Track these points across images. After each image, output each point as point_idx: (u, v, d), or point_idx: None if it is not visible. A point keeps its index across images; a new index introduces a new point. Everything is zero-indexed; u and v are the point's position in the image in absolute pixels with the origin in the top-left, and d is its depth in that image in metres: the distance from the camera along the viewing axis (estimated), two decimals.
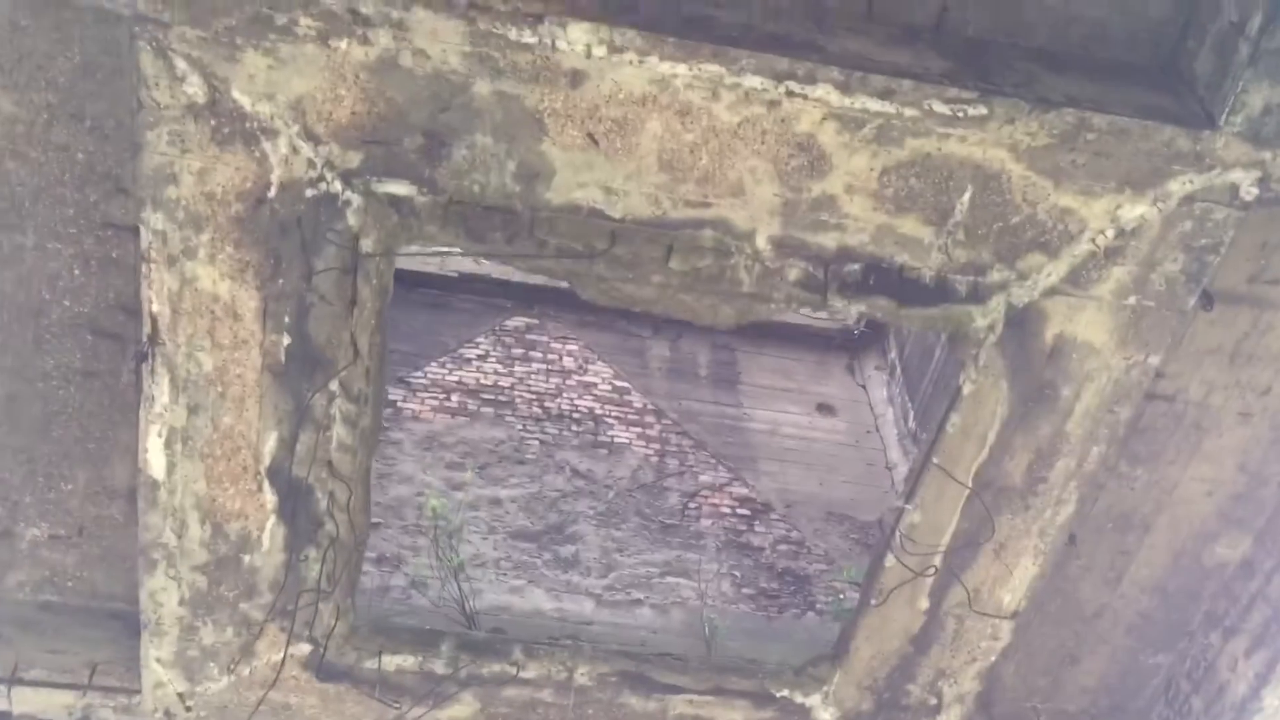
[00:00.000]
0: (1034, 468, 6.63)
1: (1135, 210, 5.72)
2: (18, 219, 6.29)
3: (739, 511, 12.03)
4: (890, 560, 6.95)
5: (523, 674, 7.36)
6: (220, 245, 5.69)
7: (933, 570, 6.89)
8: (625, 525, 11.44)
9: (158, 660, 7.14)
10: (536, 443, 12.24)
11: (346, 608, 7.00)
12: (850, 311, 5.92)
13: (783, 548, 11.70)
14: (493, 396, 12.67)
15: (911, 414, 13.15)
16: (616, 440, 12.54)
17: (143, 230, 5.67)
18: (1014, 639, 7.51)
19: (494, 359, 13.20)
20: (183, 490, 6.48)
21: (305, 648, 7.19)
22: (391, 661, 7.27)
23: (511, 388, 12.83)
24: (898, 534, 6.85)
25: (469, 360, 13.13)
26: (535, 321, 13.79)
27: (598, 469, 11.97)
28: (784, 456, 12.93)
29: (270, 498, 6.54)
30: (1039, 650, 8.29)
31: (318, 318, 5.92)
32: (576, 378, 13.28)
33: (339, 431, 6.27)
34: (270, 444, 6.34)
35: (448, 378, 12.82)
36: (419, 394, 12.47)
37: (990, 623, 7.23)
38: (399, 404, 12.24)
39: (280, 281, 5.81)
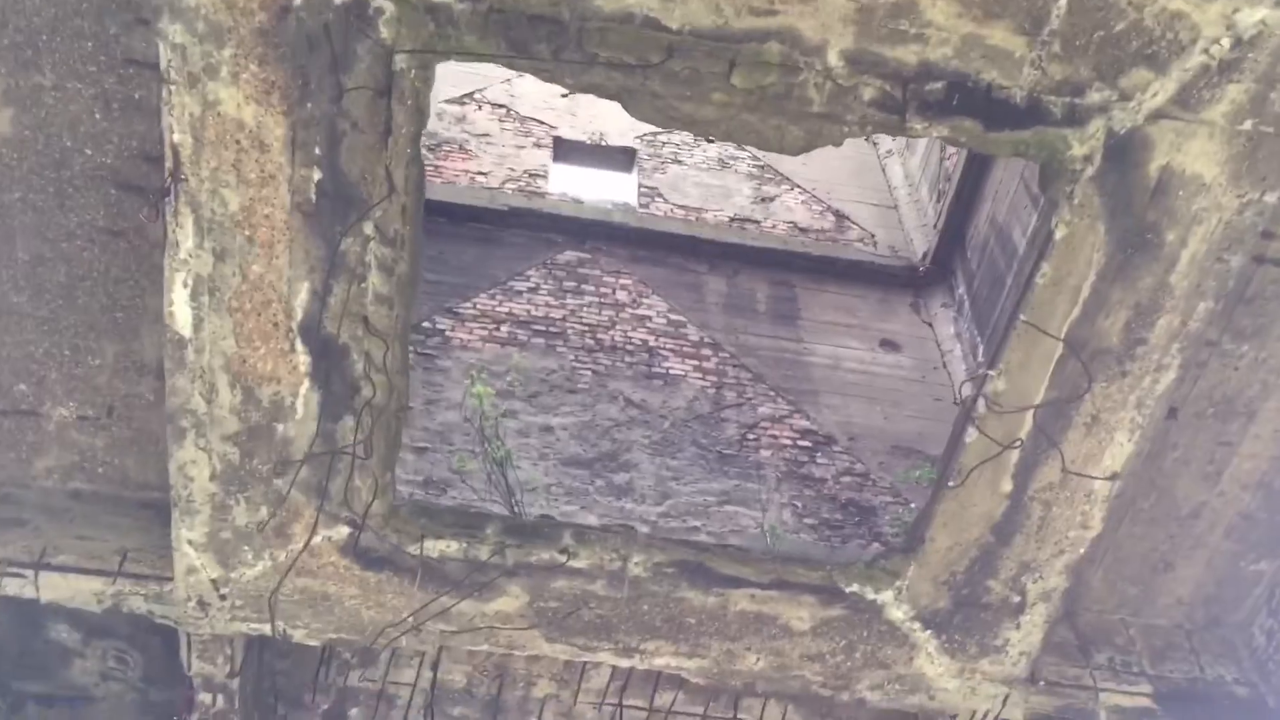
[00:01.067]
0: (1132, 326, 6.02)
1: (1255, 14, 5.11)
2: (34, 55, 5.90)
3: (800, 444, 11.52)
4: (971, 434, 6.37)
5: (573, 563, 6.86)
6: (244, 62, 5.24)
7: (1018, 443, 6.30)
8: (681, 455, 10.96)
9: (190, 543, 6.72)
10: (589, 373, 11.79)
11: (386, 484, 6.54)
12: (931, 134, 5.36)
13: (846, 479, 11.17)
14: (544, 328, 12.24)
15: (981, 348, 12.54)
16: (672, 372, 12.06)
17: (161, 46, 5.24)
18: (1105, 530, 6.89)
19: (545, 292, 12.77)
20: (211, 349, 6.05)
21: (344, 530, 6.74)
22: (435, 547, 6.81)
23: (563, 319, 12.39)
24: (980, 403, 6.27)
25: (519, 292, 12.71)
26: (588, 256, 13.36)
27: (652, 399, 11.48)
28: (846, 391, 12.37)
29: (303, 358, 6.09)
30: (1130, 555, 7.68)
31: (349, 148, 5.46)
32: (630, 311, 12.82)
33: (374, 280, 5.81)
34: (302, 296, 5.90)
35: (497, 309, 12.41)
36: (467, 323, 12.06)
37: (1080, 507, 6.62)
38: (446, 333, 11.85)
39: (309, 105, 5.35)
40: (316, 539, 6.74)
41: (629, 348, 12.28)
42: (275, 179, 5.54)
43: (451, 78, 15.08)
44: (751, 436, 11.43)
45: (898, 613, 7.06)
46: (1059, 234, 5.73)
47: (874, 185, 15.53)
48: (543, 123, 15.42)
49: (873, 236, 14.52)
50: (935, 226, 13.91)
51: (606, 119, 15.45)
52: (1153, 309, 5.96)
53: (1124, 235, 5.75)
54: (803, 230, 14.40)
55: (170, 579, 6.99)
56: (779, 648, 7.17)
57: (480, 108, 15.45)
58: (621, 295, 12.93)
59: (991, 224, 12.85)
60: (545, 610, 7.05)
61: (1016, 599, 6.99)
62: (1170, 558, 7.62)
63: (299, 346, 6.04)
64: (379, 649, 7.25)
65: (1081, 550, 6.80)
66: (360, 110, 5.35)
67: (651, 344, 12.37)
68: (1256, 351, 6.72)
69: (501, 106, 15.58)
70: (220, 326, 5.98)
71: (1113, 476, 6.55)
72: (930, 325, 13.58)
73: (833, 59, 5.22)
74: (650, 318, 12.73)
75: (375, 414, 6.25)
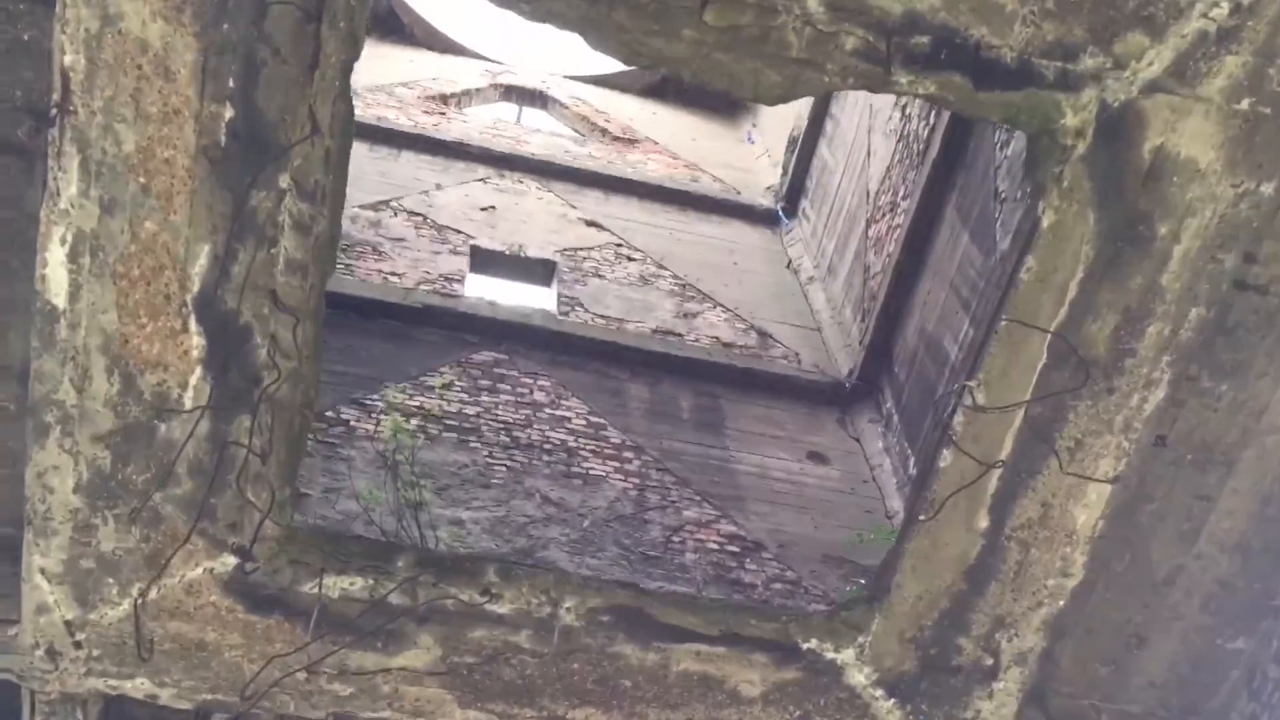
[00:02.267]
0: (1120, 334, 5.53)
1: None
2: None
3: (728, 549, 10.78)
4: (947, 456, 5.76)
5: (495, 607, 5.99)
6: None
7: (1000, 464, 5.69)
8: (603, 554, 10.15)
9: (43, 572, 5.72)
10: (504, 469, 11.01)
11: (284, 499, 5.67)
12: (916, 90, 4.91)
13: (777, 586, 10.42)
14: (456, 423, 11.48)
15: (912, 460, 12.06)
16: (592, 472, 11.33)
17: None
18: (1079, 591, 6.26)
19: (459, 389, 12.05)
20: (88, 324, 5.23)
21: (229, 561, 5.81)
22: (336, 584, 5.90)
23: (477, 416, 11.65)
24: (957, 419, 5.68)
25: (431, 388, 11.97)
26: (504, 357, 12.72)
27: (571, 498, 10.70)
28: (775, 499, 11.73)
29: (197, 340, 5.29)
30: (1101, 626, 7.00)
31: (270, 82, 4.83)
32: (549, 411, 12.13)
33: (288, 242, 5.09)
34: (201, 261, 5.14)
35: (407, 402, 11.65)
36: (374, 415, 11.26)
37: (1061, 550, 6.00)
38: (351, 423, 11.03)
39: (225, 26, 4.72)
40: (196, 571, 5.80)
41: (547, 446, 11.55)
42: (180, 115, 4.86)
43: (368, 184, 14.65)
44: (677, 539, 10.67)
45: (859, 676, 6.27)
46: (1046, 221, 5.27)
47: (796, 309, 15.24)
48: (460, 232, 14.97)
49: (797, 355, 14.14)
50: (861, 344, 13.58)
51: (526, 231, 15.10)
52: (1143, 314, 5.49)
53: (1114, 226, 5.31)
54: (726, 345, 13.98)
55: (17, 621, 5.95)
56: (725, 719, 6.31)
57: (396, 214, 14.95)
58: (540, 396, 12.26)
59: (920, 335, 12.53)
60: (460, 667, 6.13)
61: (989, 661, 6.26)
62: (1144, 631, 6.96)
63: (193, 325, 5.25)
64: (263, 716, 6.22)
65: (1061, 603, 6.14)
66: (284, 35, 4.74)
67: (571, 444, 11.66)
68: (1236, 391, 6.26)
69: (419, 215, 15.12)
70: (101, 296, 5.18)
71: (1093, 530, 5.95)
72: (858, 441, 13.10)
73: (812, 3, 4.78)
74: (569, 419, 12.06)
75: (278, 411, 5.44)
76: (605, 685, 6.21)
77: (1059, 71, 4.95)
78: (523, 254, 14.73)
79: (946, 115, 12.46)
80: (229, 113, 4.84)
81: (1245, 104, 5.07)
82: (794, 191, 17.52)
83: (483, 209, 15.53)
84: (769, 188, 18.18)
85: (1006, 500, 5.87)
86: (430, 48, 20.03)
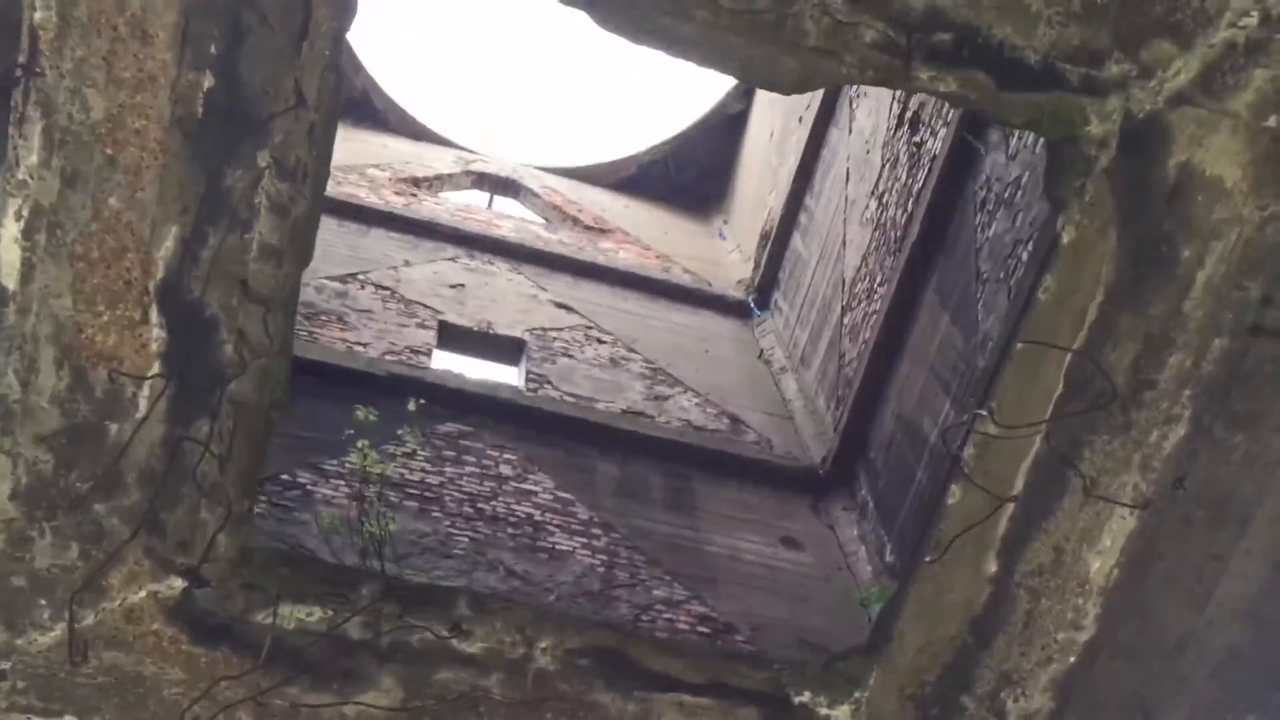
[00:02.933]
0: (1141, 364, 5.25)
1: None
2: None
3: (699, 629, 10.31)
4: (956, 492, 5.40)
5: (465, 645, 5.50)
6: None
7: (1012, 497, 5.34)
8: None
9: None
10: (466, 539, 10.53)
11: (242, 515, 5.20)
12: (938, 87, 4.67)
13: None
14: (418, 492, 11.00)
15: (889, 547, 11.69)
16: (558, 547, 10.85)
17: None
18: (1082, 660, 5.88)
19: (422, 458, 11.60)
20: (39, 309, 4.82)
21: (176, 584, 5.31)
22: (293, 614, 5.40)
23: (440, 485, 11.19)
24: (968, 451, 5.34)
25: (393, 455, 11.51)
26: (470, 430, 12.31)
27: (536, 572, 10.21)
28: (747, 582, 11.28)
29: (157, 332, 4.89)
30: (1107, 699, 6.58)
31: (255, 51, 4.52)
32: (514, 484, 11.70)
33: (263, 227, 4.73)
34: (168, 244, 4.76)
35: (368, 469, 11.16)
36: (331, 480, 10.77)
37: (1073, 600, 5.61)
38: (307, 487, 10.53)
39: None
40: (138, 595, 5.29)
41: (512, 519, 11.08)
42: (155, 82, 4.53)
43: (336, 257, 14.35)
44: (646, 618, 10.17)
45: None
46: (1066, 238, 5.02)
47: (768, 397, 14.96)
48: (428, 307, 14.65)
49: (769, 441, 13.81)
50: (835, 430, 13.28)
51: (495, 310, 14.81)
52: (1164, 343, 5.21)
53: (1137, 247, 5.06)
54: (697, 429, 13.64)
55: None
56: None
57: (364, 287, 14.62)
58: (505, 469, 11.82)
59: (897, 420, 12.25)
60: (423, 712, 5.61)
61: None
62: (1151, 704, 6.55)
63: (154, 315, 4.85)
64: None
65: (1071, 659, 5.74)
66: (273, 0, 4.45)
67: (537, 518, 11.20)
68: (1250, 443, 5.96)
69: (386, 288, 14.81)
70: (56, 279, 4.78)
71: (1107, 579, 5.59)
72: (832, 529, 12.71)
73: None
74: (536, 493, 11.60)
75: (241, 415, 5.01)
76: None
77: (1084, 77, 4.75)
78: (491, 331, 14.40)
79: (926, 200, 12.37)
80: (208, 82, 4.53)
81: (1274, 120, 4.88)
82: (766, 284, 17.38)
83: (451, 286, 15.25)
84: (740, 281, 18.05)
85: (1017, 543, 5.51)
86: (404, 134, 19.95)
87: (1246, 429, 5.91)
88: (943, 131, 12.39)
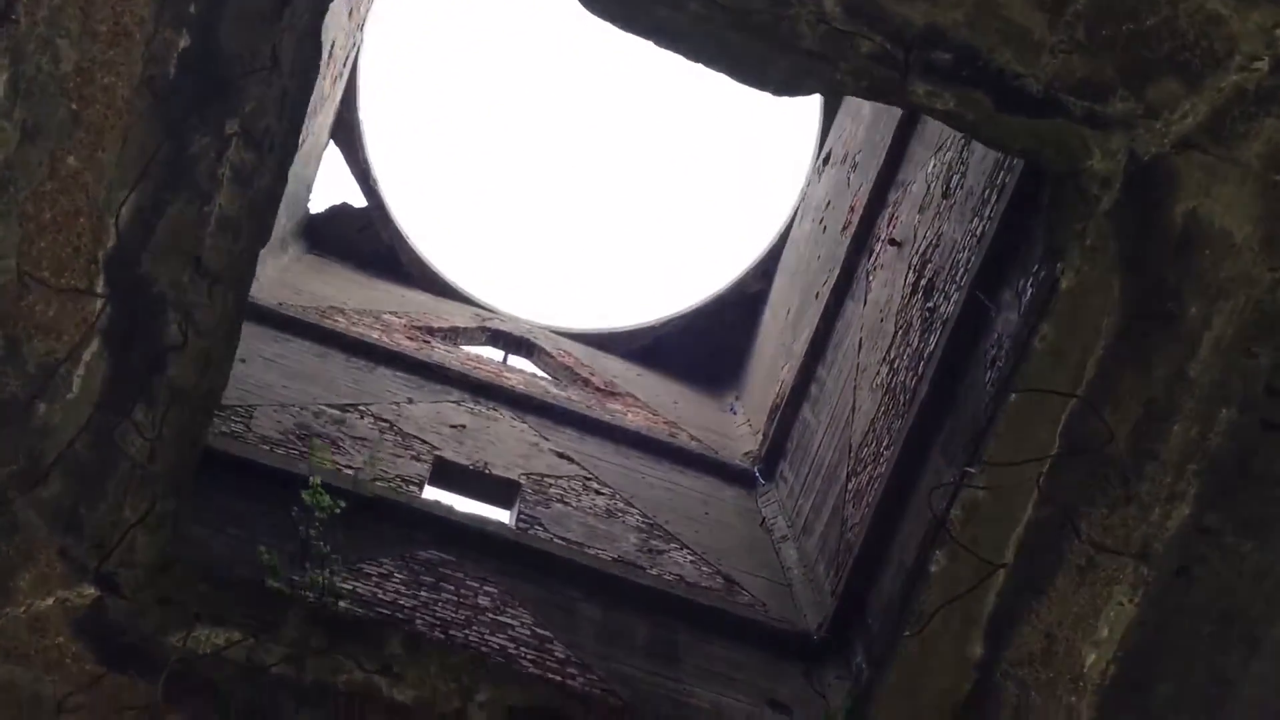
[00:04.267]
0: (1142, 431, 4.89)
1: None
2: None
3: None
4: (940, 559, 4.97)
5: (396, 691, 5.01)
6: None
7: (1003, 566, 4.89)
8: None
9: None
10: None
11: (165, 514, 4.81)
12: (935, 105, 4.49)
13: None
14: (390, 613, 10.50)
15: None
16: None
17: None
18: None
19: (398, 580, 11.13)
20: None
21: (88, 593, 4.89)
22: (210, 638, 4.94)
23: (413, 609, 10.68)
24: (954, 513, 4.93)
25: (368, 575, 11.05)
26: (452, 559, 11.85)
27: None
28: None
29: (101, 305, 4.63)
30: None
31: (235, 12, 4.42)
32: (491, 616, 11.17)
33: (225, 198, 4.52)
34: (123, 211, 4.56)
35: (338, 584, 10.70)
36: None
37: (1066, 698, 5.09)
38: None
39: None
40: (47, 601, 4.87)
41: (484, 650, 10.52)
42: (130, 38, 4.42)
43: (340, 388, 14.20)
44: None
45: None
46: (1065, 283, 4.75)
47: (766, 563, 14.42)
48: (426, 442, 14.36)
49: (764, 605, 13.23)
50: (833, 594, 12.72)
51: (494, 451, 14.50)
52: (1168, 409, 4.87)
53: (1140, 299, 4.78)
54: (689, 584, 13.10)
55: None
56: None
57: (363, 418, 14.40)
58: (484, 600, 11.29)
59: (896, 581, 11.72)
60: None
61: None
62: None
63: (100, 286, 4.61)
64: None
65: None
66: None
67: (511, 651, 10.64)
68: (1261, 554, 5.52)
69: (385, 421, 14.57)
70: (3, 239, 4.56)
71: (1103, 673, 5.09)
72: (824, 697, 12.01)
73: (828, 2, 4.45)
74: (513, 627, 11.06)
75: (177, 402, 4.70)
76: None
77: (1087, 111, 4.57)
78: (487, 471, 14.07)
79: (936, 361, 12.17)
80: (184, 42, 4.41)
81: None
82: (773, 455, 17.05)
83: (452, 426, 15.00)
84: (747, 453, 17.74)
85: (1006, 623, 5.04)
86: (426, 289, 20.10)
87: (1257, 536, 5.49)
88: (955, 295, 12.26)
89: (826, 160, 18.95)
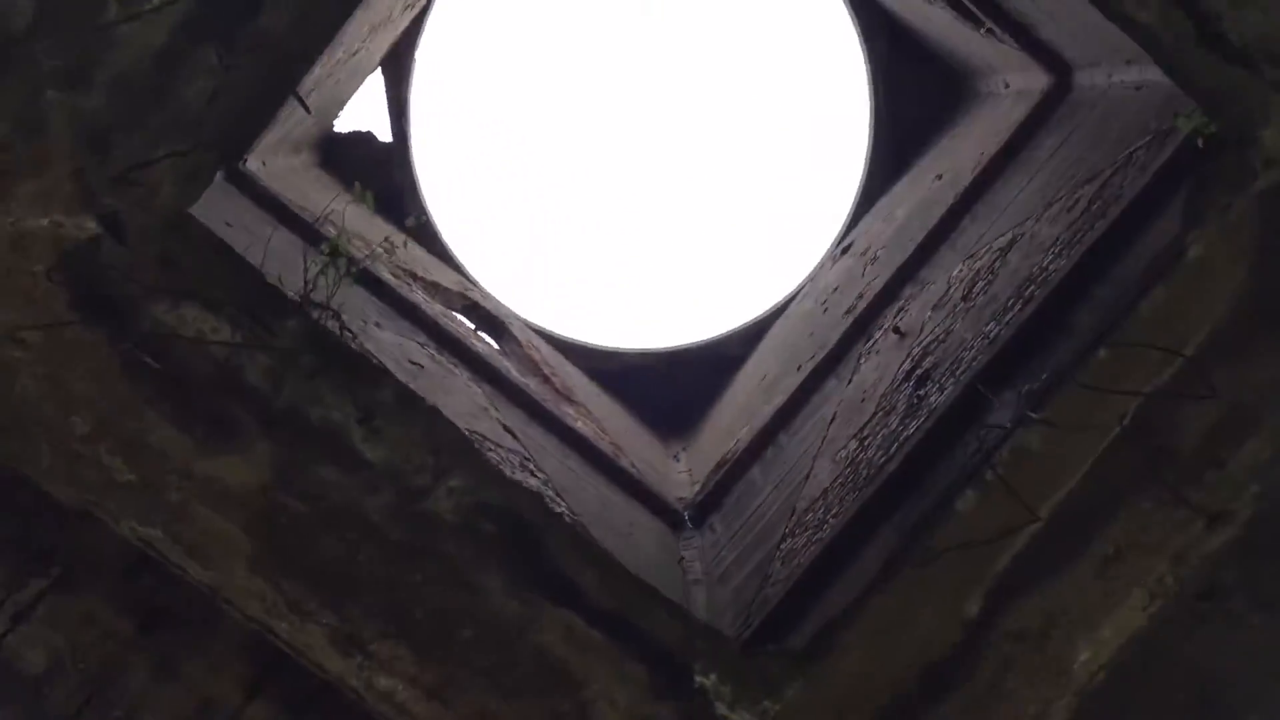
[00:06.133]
0: (1216, 435, 4.63)
1: None
2: None
3: None
4: (971, 499, 4.65)
5: (366, 447, 4.56)
6: None
7: (1038, 520, 4.57)
8: None
9: None
10: None
11: (202, 166, 4.38)
12: (1139, 16, 4.28)
13: None
14: None
15: None
16: None
17: None
18: None
19: None
20: None
21: (89, 227, 4.42)
22: (196, 321, 4.48)
23: None
24: (1000, 454, 4.62)
25: None
26: None
27: None
28: None
29: None
30: None
31: None
32: None
33: None
34: None
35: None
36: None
37: (1044, 689, 4.74)
38: None
39: None
40: (40, 221, 4.40)
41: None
42: None
43: None
44: None
45: None
46: (1192, 253, 4.51)
47: (672, 591, 14.05)
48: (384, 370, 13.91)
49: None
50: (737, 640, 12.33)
51: (444, 398, 14.11)
52: (1250, 420, 4.61)
53: (1261, 296, 4.56)
54: None
55: None
56: None
57: (334, 321, 13.91)
58: None
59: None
60: (279, 511, 4.59)
61: None
62: None
63: None
64: None
65: None
66: None
67: None
68: (1271, 630, 5.21)
69: (350, 333, 14.12)
70: None
71: (1093, 675, 4.76)
72: None
73: None
74: None
75: (257, 49, 4.29)
76: (438, 621, 4.66)
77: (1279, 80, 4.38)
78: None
79: (912, 445, 11.94)
80: None
81: None
82: (708, 505, 16.58)
83: (411, 362, 14.56)
84: (680, 498, 17.33)
85: (1009, 591, 4.70)
86: (421, 243, 19.71)
87: (1270, 608, 5.21)
88: (951, 387, 12.04)
89: (845, 250, 18.87)
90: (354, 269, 5.08)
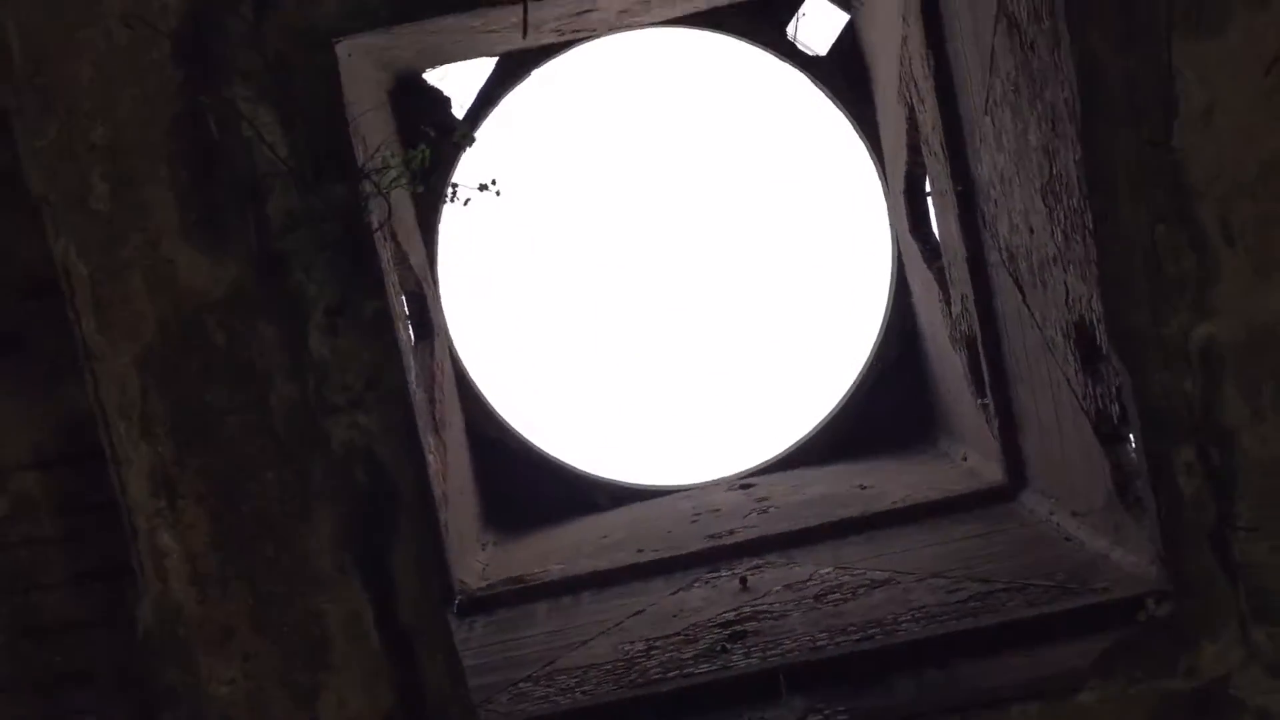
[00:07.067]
0: None
1: None
2: None
3: None
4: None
5: None
6: None
7: None
8: None
9: None
10: None
11: None
12: None
13: None
14: None
15: None
16: None
17: None
18: None
19: None
20: None
21: None
22: (258, 115, 4.32)
23: None
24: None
25: None
26: None
27: None
28: None
29: None
30: None
31: None
32: None
33: None
34: None
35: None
36: None
37: None
38: None
39: None
40: None
41: None
42: None
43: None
44: None
45: None
46: (1085, 698, 4.59)
47: None
48: None
49: None
50: None
51: None
52: None
53: None
54: None
55: None
56: None
57: None
58: None
59: None
60: (198, 331, 4.38)
61: None
62: None
63: None
64: None
65: None
66: None
67: None
68: None
69: None
70: None
71: None
72: None
73: None
74: None
75: None
76: (253, 526, 4.46)
77: None
78: None
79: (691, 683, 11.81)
80: None
81: None
82: (483, 604, 16.26)
83: None
84: (463, 582, 16.82)
85: None
86: None
87: None
88: (756, 660, 11.90)
89: (745, 487, 18.78)
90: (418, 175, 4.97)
